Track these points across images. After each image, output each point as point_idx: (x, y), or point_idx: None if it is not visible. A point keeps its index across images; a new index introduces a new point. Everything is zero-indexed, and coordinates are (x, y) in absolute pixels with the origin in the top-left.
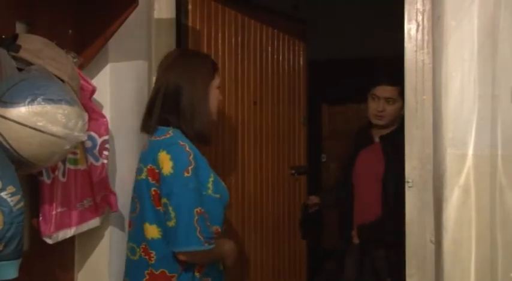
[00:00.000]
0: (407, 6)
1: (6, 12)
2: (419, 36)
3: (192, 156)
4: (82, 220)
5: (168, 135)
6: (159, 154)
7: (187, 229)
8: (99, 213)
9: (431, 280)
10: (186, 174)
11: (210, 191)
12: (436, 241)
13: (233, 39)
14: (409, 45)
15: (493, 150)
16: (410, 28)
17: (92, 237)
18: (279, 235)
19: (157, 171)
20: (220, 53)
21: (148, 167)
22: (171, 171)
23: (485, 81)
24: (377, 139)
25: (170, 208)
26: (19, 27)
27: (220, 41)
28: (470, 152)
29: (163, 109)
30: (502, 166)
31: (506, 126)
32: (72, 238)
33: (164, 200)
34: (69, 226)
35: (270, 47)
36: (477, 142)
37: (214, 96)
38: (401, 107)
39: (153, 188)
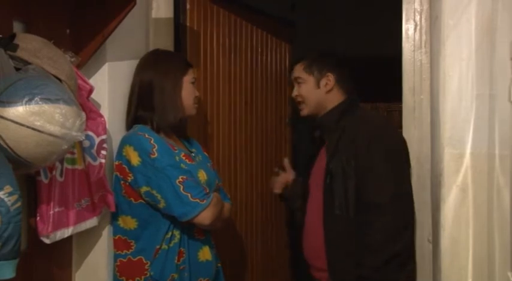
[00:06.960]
0: (405, 6)
1: (4, 11)
2: (417, 36)
3: (153, 140)
4: (80, 219)
5: (132, 131)
6: (123, 149)
7: (179, 200)
8: (97, 213)
9: (429, 279)
10: (152, 156)
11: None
12: (434, 240)
13: (227, 40)
14: (406, 45)
15: (490, 149)
16: (408, 28)
17: (89, 237)
18: (267, 235)
19: (124, 166)
20: (215, 53)
21: (116, 163)
22: (139, 159)
23: (483, 80)
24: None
25: (154, 192)
26: (16, 27)
27: (215, 42)
28: (468, 151)
29: (138, 107)
30: (500, 165)
31: (504, 125)
32: (70, 238)
33: (145, 188)
34: (67, 225)
35: (260, 49)
36: (475, 141)
37: (187, 91)
38: (315, 86)
39: (121, 181)
